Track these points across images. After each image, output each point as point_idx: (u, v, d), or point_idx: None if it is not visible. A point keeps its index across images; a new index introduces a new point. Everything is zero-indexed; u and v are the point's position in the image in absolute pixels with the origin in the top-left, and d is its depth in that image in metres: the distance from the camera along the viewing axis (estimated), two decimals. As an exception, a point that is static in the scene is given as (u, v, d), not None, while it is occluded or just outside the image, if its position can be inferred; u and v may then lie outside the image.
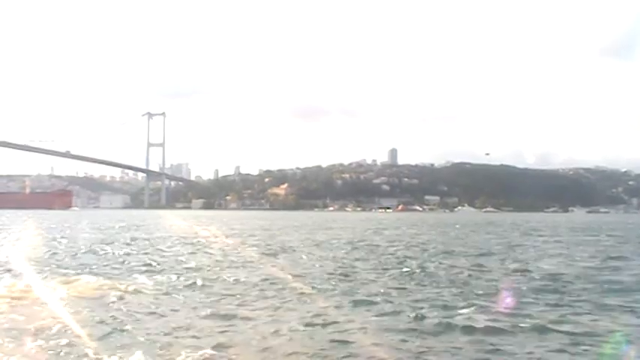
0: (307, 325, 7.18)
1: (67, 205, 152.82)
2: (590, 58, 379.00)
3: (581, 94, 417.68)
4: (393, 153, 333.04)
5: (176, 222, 47.04)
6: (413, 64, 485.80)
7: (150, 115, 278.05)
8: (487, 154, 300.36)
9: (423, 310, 8.16)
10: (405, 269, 12.97)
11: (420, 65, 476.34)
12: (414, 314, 7.88)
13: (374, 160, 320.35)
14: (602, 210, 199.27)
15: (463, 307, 8.35)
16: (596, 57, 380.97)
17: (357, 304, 8.55)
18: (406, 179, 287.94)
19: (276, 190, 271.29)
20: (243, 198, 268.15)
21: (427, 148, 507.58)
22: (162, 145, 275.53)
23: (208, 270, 12.38)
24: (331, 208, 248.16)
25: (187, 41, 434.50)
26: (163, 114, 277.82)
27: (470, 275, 12.07)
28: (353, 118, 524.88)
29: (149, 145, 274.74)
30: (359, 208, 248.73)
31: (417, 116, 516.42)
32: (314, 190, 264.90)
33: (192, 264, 13.74)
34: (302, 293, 9.27)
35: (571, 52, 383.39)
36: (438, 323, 7.41)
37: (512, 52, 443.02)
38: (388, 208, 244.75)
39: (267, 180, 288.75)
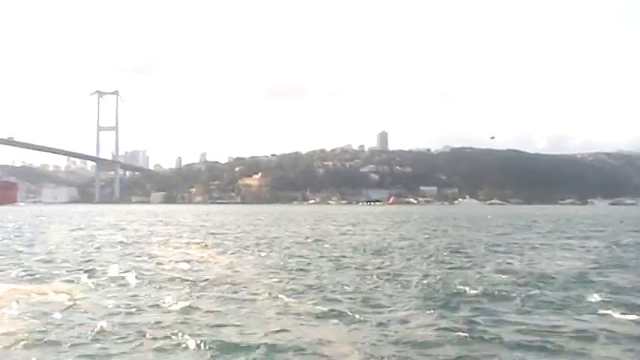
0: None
1: (12, 200, 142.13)
2: (610, 23, 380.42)
3: (599, 67, 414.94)
4: (383, 137, 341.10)
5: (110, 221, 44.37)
6: (404, 35, 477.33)
7: (100, 93, 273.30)
8: (492, 137, 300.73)
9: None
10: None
11: (412, 36, 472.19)
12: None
13: (361, 146, 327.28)
14: (628, 201, 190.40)
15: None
16: (617, 22, 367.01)
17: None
18: (398, 167, 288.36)
19: (248, 181, 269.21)
20: (210, 190, 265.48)
21: (422, 132, 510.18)
22: (114, 128, 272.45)
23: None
24: (312, 201, 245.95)
25: (143, 6, 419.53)
26: (116, 93, 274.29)
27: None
28: (337, 97, 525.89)
29: (99, 128, 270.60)
30: (344, 201, 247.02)
31: (409, 95, 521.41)
32: (292, 180, 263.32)
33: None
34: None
35: (587, 16, 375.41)
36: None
37: (517, 19, 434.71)
38: (378, 200, 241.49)
39: (237, 169, 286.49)
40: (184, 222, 42.34)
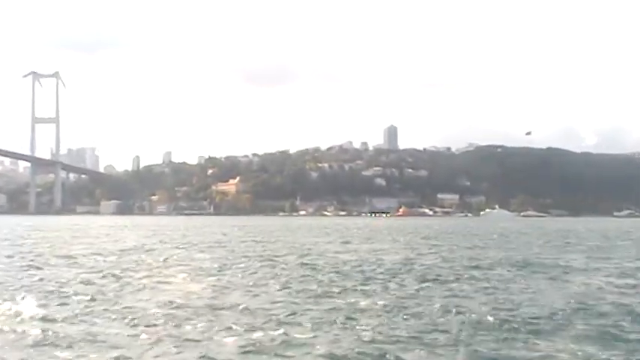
0: None
1: None
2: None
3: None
4: (391, 133, 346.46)
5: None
6: (416, 7, 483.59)
7: (36, 76, 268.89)
8: (527, 133, 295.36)
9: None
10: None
11: (426, 8, 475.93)
12: None
13: (364, 144, 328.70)
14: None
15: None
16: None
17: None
18: (410, 170, 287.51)
19: (223, 187, 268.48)
20: (176, 198, 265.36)
21: (439, 126, 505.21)
22: (54, 120, 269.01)
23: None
24: (303, 212, 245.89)
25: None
26: (56, 75, 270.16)
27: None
28: (332, 83, 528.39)
29: (35, 120, 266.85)
30: (342, 212, 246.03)
31: (423, 80, 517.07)
32: (278, 186, 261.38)
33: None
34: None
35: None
36: None
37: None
38: (384, 212, 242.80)
39: (210, 172, 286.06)
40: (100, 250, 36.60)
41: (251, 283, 17.56)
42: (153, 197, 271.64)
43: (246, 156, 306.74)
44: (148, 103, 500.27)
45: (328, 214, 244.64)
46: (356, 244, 38.30)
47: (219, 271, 21.06)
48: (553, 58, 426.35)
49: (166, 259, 25.99)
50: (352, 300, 14.61)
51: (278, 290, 16.01)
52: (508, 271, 22.69)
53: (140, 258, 26.88)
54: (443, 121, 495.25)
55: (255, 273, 20.35)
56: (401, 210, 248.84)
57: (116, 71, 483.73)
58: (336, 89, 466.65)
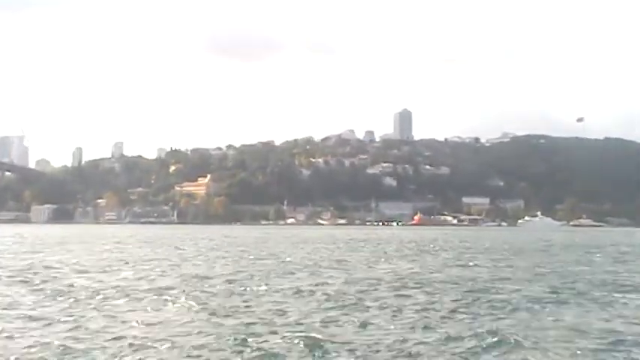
0: None
1: None
2: None
3: None
4: (404, 119, 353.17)
5: None
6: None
7: None
8: (579, 119, 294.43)
9: None
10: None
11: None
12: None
13: (369, 133, 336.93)
14: None
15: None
16: None
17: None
18: (428, 167, 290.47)
19: (190, 188, 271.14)
20: (129, 202, 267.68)
21: (465, 112, 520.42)
22: None
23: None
24: (291, 221, 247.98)
25: None
26: None
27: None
28: (328, 56, 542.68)
29: None
30: (342, 220, 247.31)
31: (442, 54, 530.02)
32: (260, 186, 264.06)
33: None
34: None
35: None
36: None
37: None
38: (395, 221, 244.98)
39: (173, 169, 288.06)
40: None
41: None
42: (99, 200, 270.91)
43: (220, 148, 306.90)
44: (93, 81, 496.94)
45: (324, 222, 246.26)
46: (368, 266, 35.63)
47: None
48: (611, 25, 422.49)
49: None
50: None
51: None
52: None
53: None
54: (469, 105, 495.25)
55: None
56: (416, 217, 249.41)
57: (50, 37, 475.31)
58: (332, 64, 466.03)
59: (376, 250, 56.50)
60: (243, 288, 23.68)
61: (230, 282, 25.69)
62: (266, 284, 24.80)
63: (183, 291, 22.48)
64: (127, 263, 36.62)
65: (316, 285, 24.63)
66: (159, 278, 28.01)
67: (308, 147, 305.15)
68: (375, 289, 23.33)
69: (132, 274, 29.23)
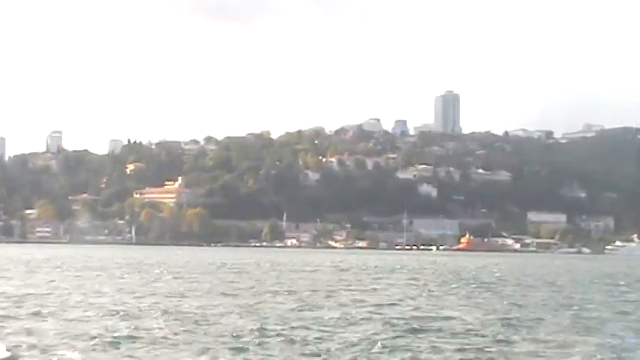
0: None
1: None
2: None
3: None
4: (448, 105, 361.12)
5: None
6: None
7: None
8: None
9: None
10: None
11: None
12: None
13: (400, 123, 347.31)
14: None
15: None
16: None
17: None
18: (481, 171, 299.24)
19: (155, 195, 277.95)
20: (70, 213, 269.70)
21: (532, 96, 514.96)
22: None
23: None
24: (292, 242, 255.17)
25: None
26: None
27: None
28: (342, 16, 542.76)
29: None
30: (361, 243, 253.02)
31: (501, 16, 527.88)
32: (252, 194, 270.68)
33: None
34: None
35: None
36: None
37: None
38: (434, 245, 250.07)
39: (131, 168, 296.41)
40: None
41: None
42: (28, 211, 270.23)
43: (195, 142, 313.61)
44: (20, 51, 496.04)
45: (337, 244, 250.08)
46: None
47: None
48: None
49: None
50: None
51: None
52: None
53: None
54: (538, 88, 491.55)
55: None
56: (464, 240, 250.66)
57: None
58: (348, 28, 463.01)
59: (414, 283, 60.10)
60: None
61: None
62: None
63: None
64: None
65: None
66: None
67: (316, 142, 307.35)
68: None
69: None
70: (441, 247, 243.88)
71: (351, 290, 52.20)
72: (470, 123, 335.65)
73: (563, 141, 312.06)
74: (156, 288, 51.43)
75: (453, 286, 58.67)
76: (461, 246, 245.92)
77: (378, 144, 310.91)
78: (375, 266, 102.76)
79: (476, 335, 27.62)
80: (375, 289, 54.14)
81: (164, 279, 62.57)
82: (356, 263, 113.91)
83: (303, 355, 23.75)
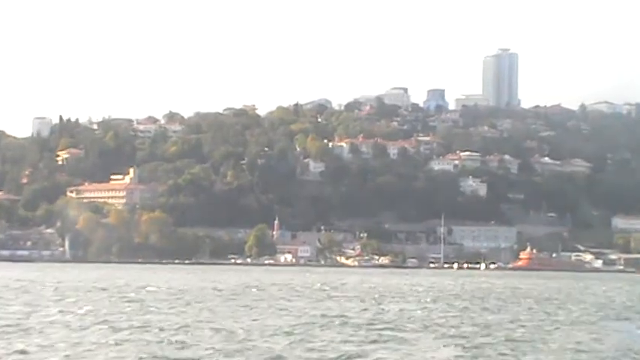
0: None
1: None
2: None
3: None
4: (503, 72, 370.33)
5: None
6: None
7: None
8: None
9: None
10: None
11: None
12: None
13: (435, 94, 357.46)
14: None
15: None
16: None
17: None
18: (547, 159, 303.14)
19: (97, 193, 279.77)
20: None
21: (617, 59, 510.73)
22: None
23: None
24: (287, 257, 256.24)
25: None
26: None
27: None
28: None
29: None
30: (383, 258, 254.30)
31: None
32: (231, 192, 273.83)
33: None
34: None
35: None
36: None
37: None
38: (482, 261, 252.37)
39: (66, 156, 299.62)
40: None
41: None
42: None
43: (153, 120, 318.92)
44: None
45: (349, 261, 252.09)
46: None
47: None
48: None
49: None
50: None
51: None
52: None
53: None
54: (626, 46, 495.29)
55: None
56: (524, 255, 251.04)
57: None
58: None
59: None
60: None
61: None
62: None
63: None
64: None
65: None
66: None
67: (320, 119, 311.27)
68: None
69: None
70: (491, 266, 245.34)
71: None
72: (532, 94, 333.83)
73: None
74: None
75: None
76: (520, 263, 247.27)
77: (405, 123, 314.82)
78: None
79: None
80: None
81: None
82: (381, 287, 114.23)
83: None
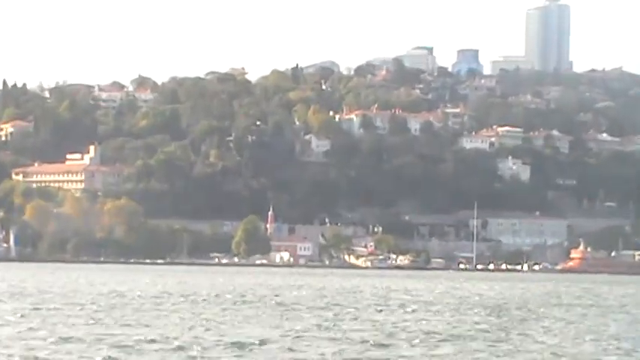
0: None
1: None
2: None
3: None
4: (548, 28, 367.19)
5: None
6: None
7: None
8: None
9: None
10: None
11: None
12: None
13: (465, 55, 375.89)
14: None
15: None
16: None
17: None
18: (606, 136, 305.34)
19: (50, 177, 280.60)
20: None
21: None
22: None
23: None
24: (283, 255, 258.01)
25: None
26: None
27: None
28: None
29: None
30: (402, 258, 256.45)
31: None
32: (214, 176, 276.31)
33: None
34: None
35: None
36: None
37: None
38: (523, 261, 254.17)
39: (9, 131, 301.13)
40: None
41: None
42: None
43: (119, 86, 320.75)
44: None
45: (360, 262, 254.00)
46: None
47: None
48: None
49: None
50: None
51: None
52: None
53: None
54: None
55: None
56: (577, 253, 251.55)
57: None
58: None
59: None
60: None
61: None
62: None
63: None
64: None
65: None
66: None
67: (325, 86, 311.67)
68: None
69: None
70: (535, 267, 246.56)
71: None
72: (587, 55, 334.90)
73: None
74: None
75: None
76: (571, 264, 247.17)
77: (430, 91, 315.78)
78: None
79: None
80: None
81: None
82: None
83: None
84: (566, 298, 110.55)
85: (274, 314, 75.80)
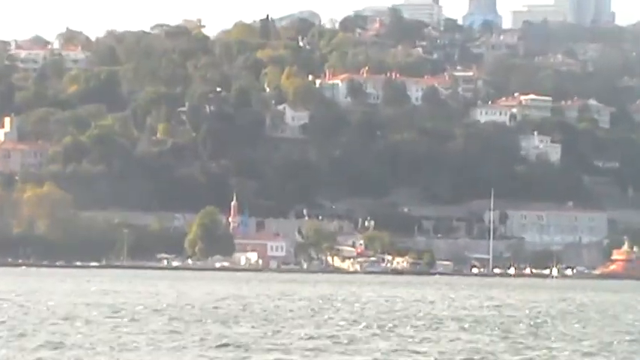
0: None
1: None
2: None
3: None
4: None
5: None
6: None
7: None
8: None
9: None
10: None
11: None
12: None
13: (478, 5, 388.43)
14: None
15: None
16: None
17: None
18: None
19: None
20: None
21: None
22: None
23: None
24: (252, 256, 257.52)
25: None
26: None
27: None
28: None
29: None
30: (396, 260, 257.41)
31: None
32: (160, 155, 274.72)
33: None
34: None
35: None
36: None
37: None
38: (553, 265, 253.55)
39: None
40: None
41: None
42: None
43: (43, 42, 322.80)
44: None
45: (346, 265, 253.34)
46: None
47: None
48: None
49: None
50: None
51: None
52: None
53: None
54: None
55: None
56: (620, 254, 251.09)
57: None
58: None
59: None
60: None
61: None
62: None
63: None
64: None
65: None
66: None
67: (302, 43, 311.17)
68: None
69: None
70: (567, 271, 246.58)
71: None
72: (632, 5, 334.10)
73: None
74: None
75: None
76: (613, 268, 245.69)
77: (435, 49, 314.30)
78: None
79: None
80: None
81: None
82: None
83: None
84: (608, 314, 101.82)
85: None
